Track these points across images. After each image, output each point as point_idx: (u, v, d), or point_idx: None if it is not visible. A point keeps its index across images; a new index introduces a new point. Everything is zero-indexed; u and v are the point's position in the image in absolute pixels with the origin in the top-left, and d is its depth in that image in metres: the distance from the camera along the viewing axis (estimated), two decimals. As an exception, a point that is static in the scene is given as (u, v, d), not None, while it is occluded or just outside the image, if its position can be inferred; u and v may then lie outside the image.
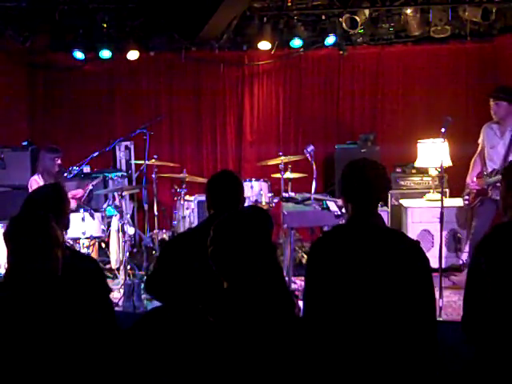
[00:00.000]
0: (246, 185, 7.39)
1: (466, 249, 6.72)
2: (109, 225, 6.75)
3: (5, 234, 2.56)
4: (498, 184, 6.09)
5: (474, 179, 6.33)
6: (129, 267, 6.65)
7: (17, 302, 2.42)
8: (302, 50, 8.37)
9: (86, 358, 2.40)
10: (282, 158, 7.39)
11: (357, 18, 7.39)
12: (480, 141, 6.46)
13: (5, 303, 2.41)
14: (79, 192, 6.86)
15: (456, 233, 7.06)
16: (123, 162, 8.56)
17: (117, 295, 6.13)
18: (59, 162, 6.55)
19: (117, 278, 6.81)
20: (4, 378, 2.32)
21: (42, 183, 6.42)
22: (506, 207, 2.91)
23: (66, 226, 3.38)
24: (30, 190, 6.42)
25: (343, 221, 5.95)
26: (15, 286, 2.47)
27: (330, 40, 7.84)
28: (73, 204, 6.56)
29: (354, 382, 2.61)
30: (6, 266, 2.56)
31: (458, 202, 6.78)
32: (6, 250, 2.55)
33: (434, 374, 2.62)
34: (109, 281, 6.84)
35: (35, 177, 6.47)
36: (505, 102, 6.08)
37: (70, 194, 6.73)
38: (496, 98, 6.10)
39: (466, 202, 6.49)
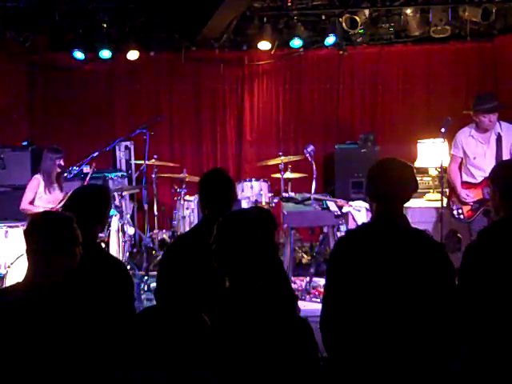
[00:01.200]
0: (246, 185, 7.40)
1: None
2: (109, 225, 6.74)
3: (26, 232, 2.58)
4: None
5: (467, 192, 6.02)
6: (129, 267, 6.64)
7: (39, 299, 2.43)
8: (301, 50, 8.37)
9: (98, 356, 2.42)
10: (282, 158, 7.39)
11: (357, 18, 7.40)
12: (456, 150, 6.15)
13: (28, 302, 2.43)
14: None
15: (456, 233, 7.03)
16: (123, 161, 8.55)
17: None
18: (61, 162, 6.53)
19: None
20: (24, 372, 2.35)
21: (42, 183, 6.42)
22: (497, 208, 2.92)
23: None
24: (28, 187, 6.40)
25: (343, 221, 5.96)
26: (37, 284, 2.48)
27: (330, 40, 7.84)
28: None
29: (378, 380, 2.61)
30: (27, 264, 2.56)
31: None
32: (27, 249, 2.56)
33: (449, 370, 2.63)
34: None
35: (37, 176, 6.45)
36: (497, 110, 5.92)
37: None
38: (497, 108, 5.87)
39: (462, 217, 6.17)
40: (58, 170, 6.55)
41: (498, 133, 5.94)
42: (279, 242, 7.21)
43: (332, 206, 5.91)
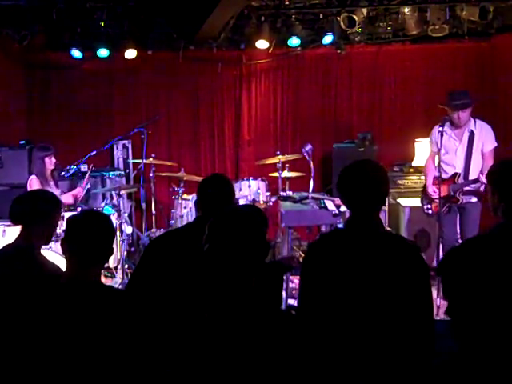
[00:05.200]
0: (244, 184, 7.40)
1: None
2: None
3: (73, 231, 2.57)
4: (467, 188, 6.06)
5: (434, 188, 6.04)
6: (126, 266, 6.65)
7: (79, 301, 2.44)
8: (299, 48, 8.37)
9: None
10: (280, 156, 7.39)
11: (355, 16, 7.39)
12: (432, 146, 6.25)
13: (68, 303, 2.43)
14: (79, 191, 6.86)
15: (426, 231, 7.06)
16: (121, 160, 8.55)
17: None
18: (53, 160, 6.52)
19: (114, 277, 6.82)
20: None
21: (39, 183, 6.41)
22: (496, 208, 2.91)
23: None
24: (29, 190, 6.40)
25: (341, 220, 5.96)
26: (79, 286, 2.48)
27: (328, 39, 7.84)
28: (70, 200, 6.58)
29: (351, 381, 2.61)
30: (67, 267, 2.55)
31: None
32: (68, 252, 2.55)
33: (430, 373, 2.62)
34: (107, 280, 6.85)
35: (33, 177, 6.45)
36: (467, 108, 5.96)
37: (71, 195, 6.74)
38: (466, 106, 5.90)
39: (430, 212, 6.27)
40: (52, 167, 6.54)
41: (471, 130, 5.99)
42: (277, 241, 7.22)
43: (330, 205, 5.90)
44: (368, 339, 2.60)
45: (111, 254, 2.65)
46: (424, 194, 6.42)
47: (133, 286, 3.20)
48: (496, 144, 6.03)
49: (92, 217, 2.66)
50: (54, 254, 5.11)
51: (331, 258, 2.71)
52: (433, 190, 6.11)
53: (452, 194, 6.06)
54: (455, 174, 6.08)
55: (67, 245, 2.55)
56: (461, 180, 6.06)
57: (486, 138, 6.01)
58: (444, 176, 6.00)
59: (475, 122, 6.02)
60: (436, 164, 6.14)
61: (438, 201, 5.88)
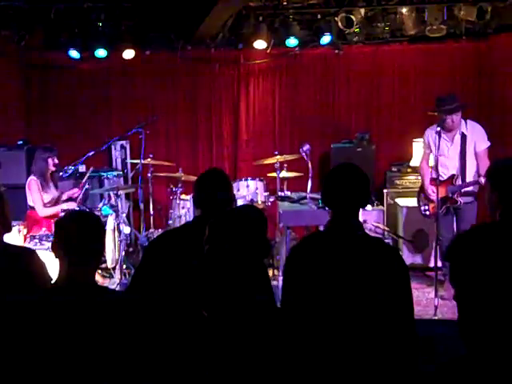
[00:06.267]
0: (242, 184, 7.40)
1: None
2: (104, 224, 6.74)
3: (65, 232, 2.53)
4: (466, 189, 6.08)
5: (433, 188, 6.09)
6: (125, 266, 6.65)
7: (71, 304, 2.42)
8: (297, 48, 8.36)
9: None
10: (278, 157, 7.39)
11: (352, 17, 7.40)
12: (425, 148, 6.36)
13: (61, 306, 2.41)
14: (76, 191, 6.86)
15: (424, 230, 7.07)
16: (119, 161, 8.54)
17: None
18: (55, 161, 6.53)
19: (113, 277, 6.81)
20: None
21: (39, 184, 6.40)
22: (494, 207, 2.91)
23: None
24: (28, 192, 6.40)
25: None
26: (72, 288, 2.46)
27: (326, 39, 7.84)
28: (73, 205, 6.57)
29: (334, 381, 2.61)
30: (60, 269, 2.52)
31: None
32: (59, 254, 2.52)
33: (415, 371, 2.63)
34: (105, 280, 6.85)
35: (33, 177, 6.44)
36: (460, 111, 6.02)
37: (66, 195, 6.74)
38: (455, 110, 5.96)
39: (428, 213, 6.34)
40: (53, 168, 6.55)
41: (463, 132, 6.06)
42: (275, 241, 7.22)
43: (328, 205, 5.90)
44: (349, 340, 2.61)
45: (102, 253, 2.64)
46: (421, 196, 6.45)
47: (134, 286, 3.20)
48: (489, 143, 6.06)
49: (79, 216, 2.65)
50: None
51: (312, 260, 2.73)
52: (432, 190, 6.13)
53: (450, 195, 6.08)
54: (453, 175, 6.11)
55: (57, 246, 2.52)
56: (458, 181, 6.08)
57: (477, 138, 6.06)
58: (440, 178, 6.00)
59: (466, 122, 6.07)
60: (431, 165, 6.19)
61: (435, 202, 5.90)
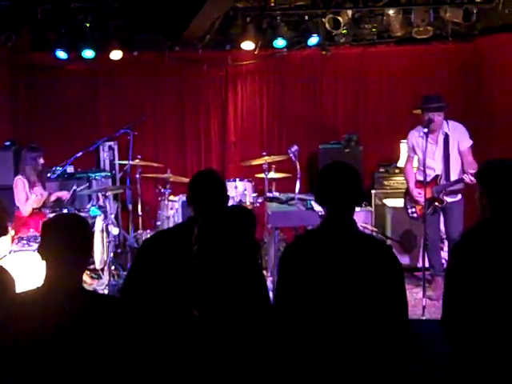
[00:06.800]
0: (230, 185, 7.40)
1: (445, 249, 6.72)
2: (93, 225, 6.73)
3: (49, 237, 2.51)
4: (451, 188, 6.15)
5: (419, 190, 6.19)
6: (113, 268, 6.64)
7: (58, 307, 2.40)
8: (285, 50, 8.38)
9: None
10: (266, 158, 7.40)
11: (340, 18, 7.43)
12: (409, 151, 6.43)
13: (47, 308, 2.40)
14: (64, 194, 6.84)
15: (412, 231, 7.12)
16: (107, 162, 8.51)
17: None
18: (42, 160, 6.52)
19: (101, 278, 6.80)
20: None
21: (26, 184, 6.39)
22: (484, 208, 2.94)
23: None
24: (15, 192, 6.38)
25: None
26: (58, 290, 2.45)
27: (313, 40, 7.87)
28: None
29: (328, 379, 2.63)
30: (47, 269, 2.50)
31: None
32: (48, 253, 2.50)
33: (407, 369, 2.66)
34: (93, 281, 6.83)
35: (19, 177, 6.42)
36: (443, 111, 6.10)
37: (54, 196, 6.72)
38: (442, 109, 6.06)
39: (415, 216, 6.39)
40: (40, 168, 6.53)
41: (446, 132, 6.15)
42: (263, 242, 7.24)
43: (316, 206, 5.92)
44: (344, 338, 2.63)
45: (89, 255, 2.64)
46: (407, 198, 6.50)
47: (128, 287, 3.20)
48: (471, 142, 6.14)
49: (66, 218, 2.65)
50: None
51: (306, 259, 2.74)
52: (418, 193, 6.20)
53: (436, 195, 6.14)
54: (436, 176, 6.18)
55: (44, 248, 2.51)
56: (442, 181, 6.15)
57: (460, 137, 6.15)
58: (427, 179, 6.05)
59: (448, 123, 6.16)
60: (415, 167, 6.26)
61: (423, 203, 5.97)
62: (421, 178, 6.11)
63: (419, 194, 6.16)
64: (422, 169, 5.92)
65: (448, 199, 6.15)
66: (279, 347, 2.21)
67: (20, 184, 6.34)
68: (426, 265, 5.99)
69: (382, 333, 2.64)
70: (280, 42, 7.90)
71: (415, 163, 6.45)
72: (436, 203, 6.18)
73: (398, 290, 2.72)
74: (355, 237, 2.80)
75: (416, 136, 6.24)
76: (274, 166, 7.51)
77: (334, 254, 2.70)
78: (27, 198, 6.35)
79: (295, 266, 2.76)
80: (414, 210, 6.40)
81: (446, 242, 6.55)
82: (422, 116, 6.11)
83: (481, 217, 2.97)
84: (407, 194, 6.51)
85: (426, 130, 5.83)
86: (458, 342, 2.76)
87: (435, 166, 6.20)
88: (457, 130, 6.17)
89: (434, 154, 6.19)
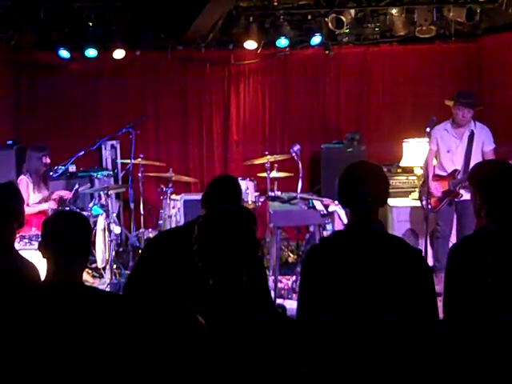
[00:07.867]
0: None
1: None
2: (95, 224, 6.73)
3: (50, 233, 2.52)
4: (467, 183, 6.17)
5: (436, 184, 6.26)
6: (115, 266, 6.64)
7: (59, 304, 2.41)
8: (288, 49, 8.38)
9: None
10: (268, 157, 7.40)
11: (343, 17, 7.42)
12: (431, 144, 6.34)
13: (49, 306, 2.40)
14: (66, 193, 6.84)
15: (414, 231, 7.11)
16: (109, 161, 8.52)
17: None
18: (47, 160, 6.52)
19: (103, 277, 6.80)
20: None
21: (30, 183, 6.38)
22: (478, 209, 2.92)
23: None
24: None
25: (329, 220, 5.99)
26: (58, 288, 2.45)
27: (316, 40, 7.86)
28: (53, 205, 6.53)
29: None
30: (47, 270, 2.50)
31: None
32: (48, 249, 2.50)
33: (437, 374, 2.62)
34: (95, 280, 6.83)
35: (23, 177, 6.42)
36: (474, 108, 6.14)
37: (56, 195, 6.71)
38: (473, 106, 6.11)
39: (429, 207, 6.30)
40: (44, 168, 6.53)
41: (472, 130, 6.20)
42: (265, 241, 7.23)
43: (318, 205, 5.93)
44: (372, 343, 2.57)
45: (89, 253, 2.64)
46: (422, 190, 6.49)
47: (131, 284, 3.20)
48: (495, 145, 6.19)
49: (67, 216, 2.65)
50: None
51: (333, 261, 2.66)
52: (434, 187, 6.24)
53: (452, 188, 6.20)
54: (455, 170, 6.22)
55: (45, 246, 2.51)
56: (460, 176, 6.19)
57: (485, 139, 6.25)
58: (443, 173, 6.24)
59: (475, 123, 6.22)
60: (434, 162, 6.32)
61: (438, 196, 6.17)
62: (439, 173, 6.26)
63: (435, 188, 6.23)
64: (442, 163, 6.14)
65: (464, 193, 6.16)
66: (288, 348, 2.18)
67: (24, 184, 6.34)
68: (429, 264, 5.98)
69: (411, 339, 2.57)
70: (283, 42, 7.90)
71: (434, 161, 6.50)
72: (451, 196, 6.23)
73: (428, 294, 2.62)
74: (385, 240, 2.71)
75: (441, 130, 6.29)
76: (276, 165, 7.51)
77: (363, 257, 2.61)
78: (28, 198, 6.34)
79: (321, 268, 2.67)
80: (428, 201, 6.42)
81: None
82: (452, 108, 6.19)
83: (476, 217, 2.96)
84: (423, 186, 6.52)
85: (447, 126, 6.09)
86: (458, 341, 2.75)
87: (456, 161, 6.25)
88: (483, 131, 6.25)
89: (457, 150, 6.23)
